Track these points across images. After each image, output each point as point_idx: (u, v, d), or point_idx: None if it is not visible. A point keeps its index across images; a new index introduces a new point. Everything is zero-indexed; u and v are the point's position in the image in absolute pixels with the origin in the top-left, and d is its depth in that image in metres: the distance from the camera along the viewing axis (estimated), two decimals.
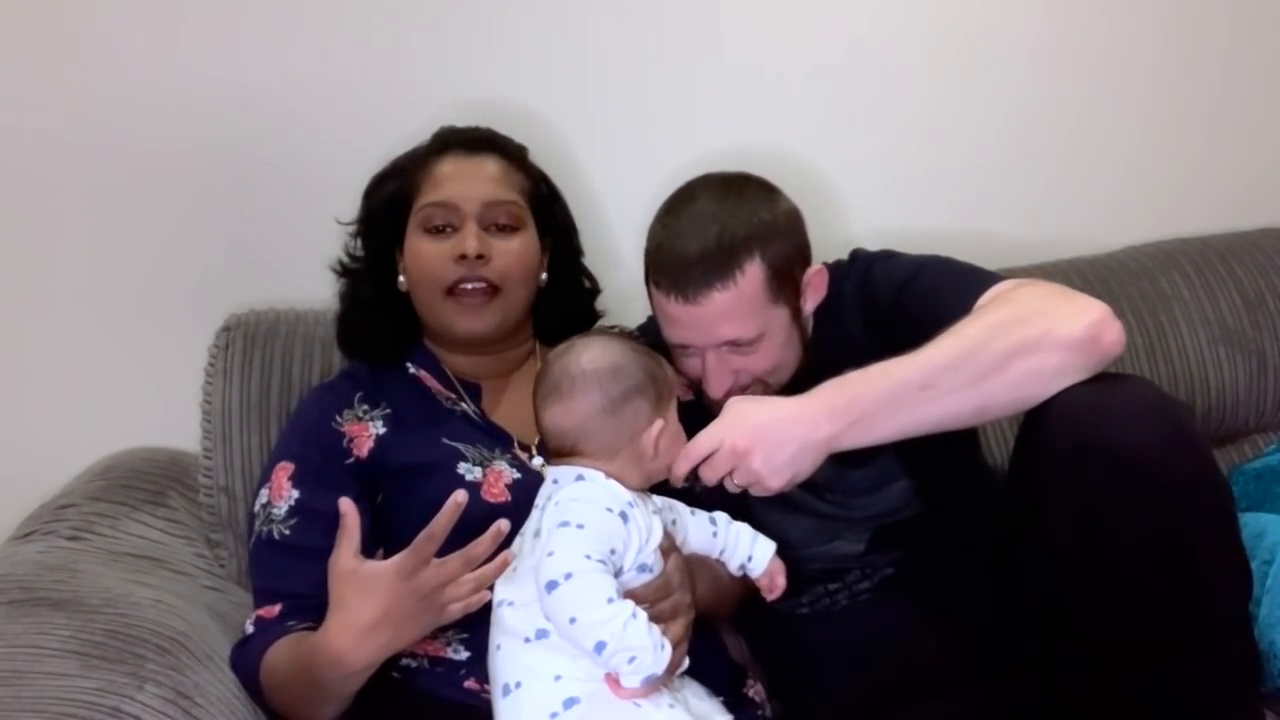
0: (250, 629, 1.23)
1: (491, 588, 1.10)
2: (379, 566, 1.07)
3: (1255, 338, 1.76)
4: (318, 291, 1.52)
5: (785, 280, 1.28)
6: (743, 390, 1.29)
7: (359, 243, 1.42)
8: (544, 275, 1.40)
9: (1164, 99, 1.92)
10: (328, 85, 1.59)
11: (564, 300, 1.43)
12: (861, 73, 1.78)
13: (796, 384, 1.32)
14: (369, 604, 1.07)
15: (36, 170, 1.54)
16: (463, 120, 1.44)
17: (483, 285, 1.31)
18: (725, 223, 1.25)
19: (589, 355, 1.18)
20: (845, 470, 1.35)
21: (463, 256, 1.29)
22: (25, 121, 1.53)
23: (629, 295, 1.50)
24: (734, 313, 1.25)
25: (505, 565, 1.08)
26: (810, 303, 1.34)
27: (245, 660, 1.21)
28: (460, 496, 1.05)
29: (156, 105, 1.55)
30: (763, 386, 1.31)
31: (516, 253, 1.33)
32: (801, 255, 1.32)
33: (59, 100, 1.53)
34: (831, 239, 1.45)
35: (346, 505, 1.09)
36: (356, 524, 1.09)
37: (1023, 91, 1.85)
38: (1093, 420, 1.09)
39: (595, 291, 1.49)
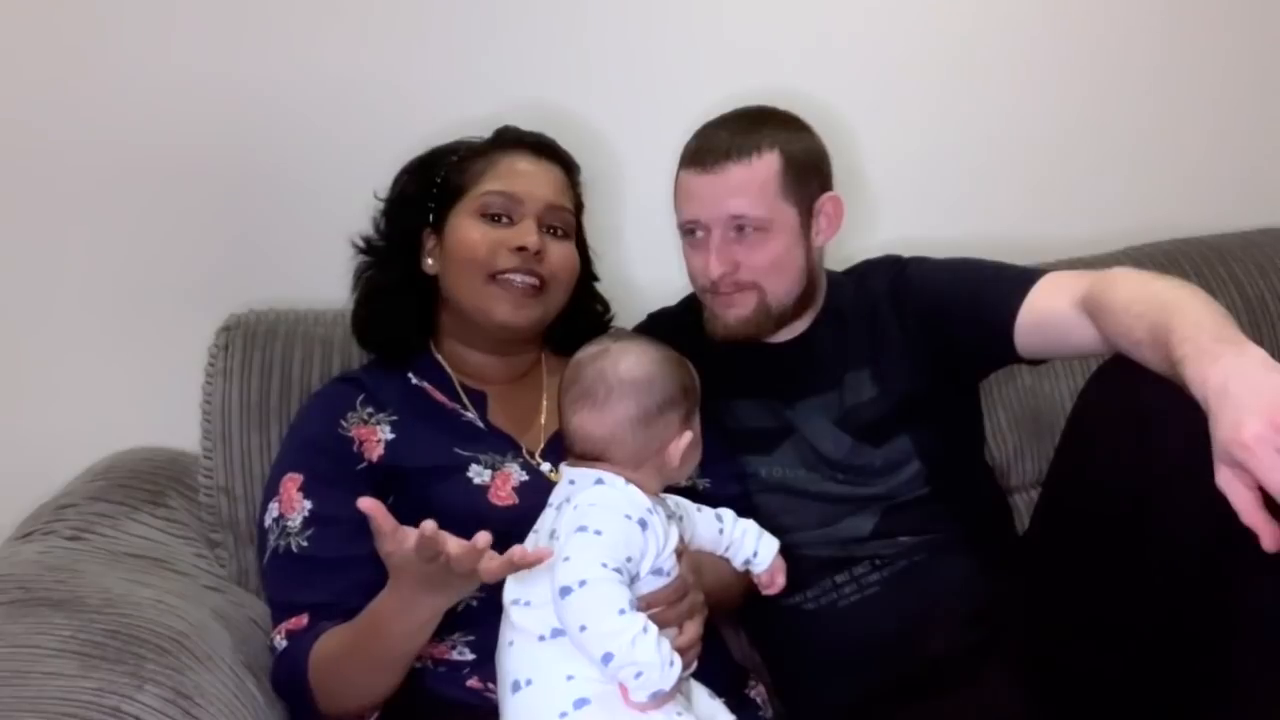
0: (283, 643, 1.21)
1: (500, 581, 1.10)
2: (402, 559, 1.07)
3: (1255, 338, 1.74)
4: (318, 291, 1.52)
5: (799, 183, 1.37)
6: (738, 289, 1.36)
7: (385, 222, 1.42)
8: None
9: (1164, 99, 1.92)
10: (328, 85, 1.59)
11: (575, 319, 1.43)
12: (859, 74, 1.78)
13: (810, 343, 1.41)
14: (404, 581, 1.10)
15: (36, 170, 1.54)
16: (468, 123, 1.44)
17: (534, 280, 1.32)
18: (754, 122, 1.38)
19: (626, 364, 1.16)
20: (863, 448, 1.37)
21: (521, 249, 1.31)
22: (25, 121, 1.53)
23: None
24: (745, 188, 1.34)
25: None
26: (824, 234, 1.41)
27: (291, 669, 1.19)
28: (481, 541, 1.03)
29: (156, 105, 1.55)
30: (757, 296, 1.36)
31: (567, 256, 1.37)
32: (820, 176, 1.40)
33: (59, 100, 1.53)
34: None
35: (366, 505, 1.05)
36: (383, 514, 1.05)
37: (1022, 91, 1.86)
38: (1154, 393, 1.11)
39: (606, 315, 1.51)
